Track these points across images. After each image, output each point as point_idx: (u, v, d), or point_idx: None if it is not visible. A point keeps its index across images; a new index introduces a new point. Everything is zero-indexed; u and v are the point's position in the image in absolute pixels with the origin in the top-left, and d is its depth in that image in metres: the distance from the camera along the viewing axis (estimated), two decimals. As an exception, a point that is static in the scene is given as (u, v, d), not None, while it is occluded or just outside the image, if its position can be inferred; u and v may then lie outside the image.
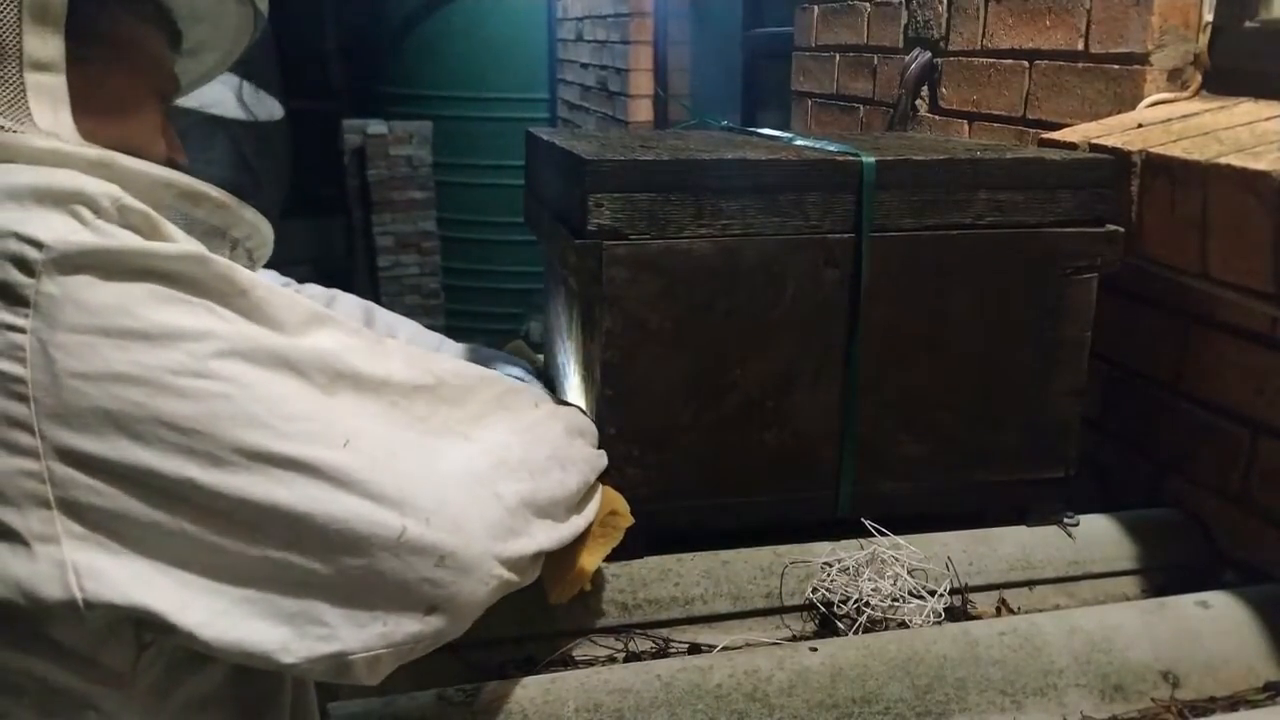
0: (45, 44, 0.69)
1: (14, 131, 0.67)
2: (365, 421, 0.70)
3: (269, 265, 1.57)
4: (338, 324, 0.74)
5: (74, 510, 0.61)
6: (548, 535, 0.85)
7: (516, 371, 1.53)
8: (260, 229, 0.86)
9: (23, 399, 0.59)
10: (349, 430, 0.68)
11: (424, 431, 0.77)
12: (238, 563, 0.65)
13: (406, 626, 0.69)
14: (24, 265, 0.60)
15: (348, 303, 1.65)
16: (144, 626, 0.64)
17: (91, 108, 0.74)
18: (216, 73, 1.01)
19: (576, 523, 0.92)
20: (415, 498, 0.69)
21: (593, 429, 1.07)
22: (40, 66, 0.69)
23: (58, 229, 0.61)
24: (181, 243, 0.67)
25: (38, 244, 0.60)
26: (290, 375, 0.67)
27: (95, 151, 0.69)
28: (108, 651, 0.65)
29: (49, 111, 0.69)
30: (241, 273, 0.68)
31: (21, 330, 0.60)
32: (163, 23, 0.84)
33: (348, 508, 0.66)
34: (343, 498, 0.66)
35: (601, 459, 1.03)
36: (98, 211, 0.64)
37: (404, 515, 0.68)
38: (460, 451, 0.78)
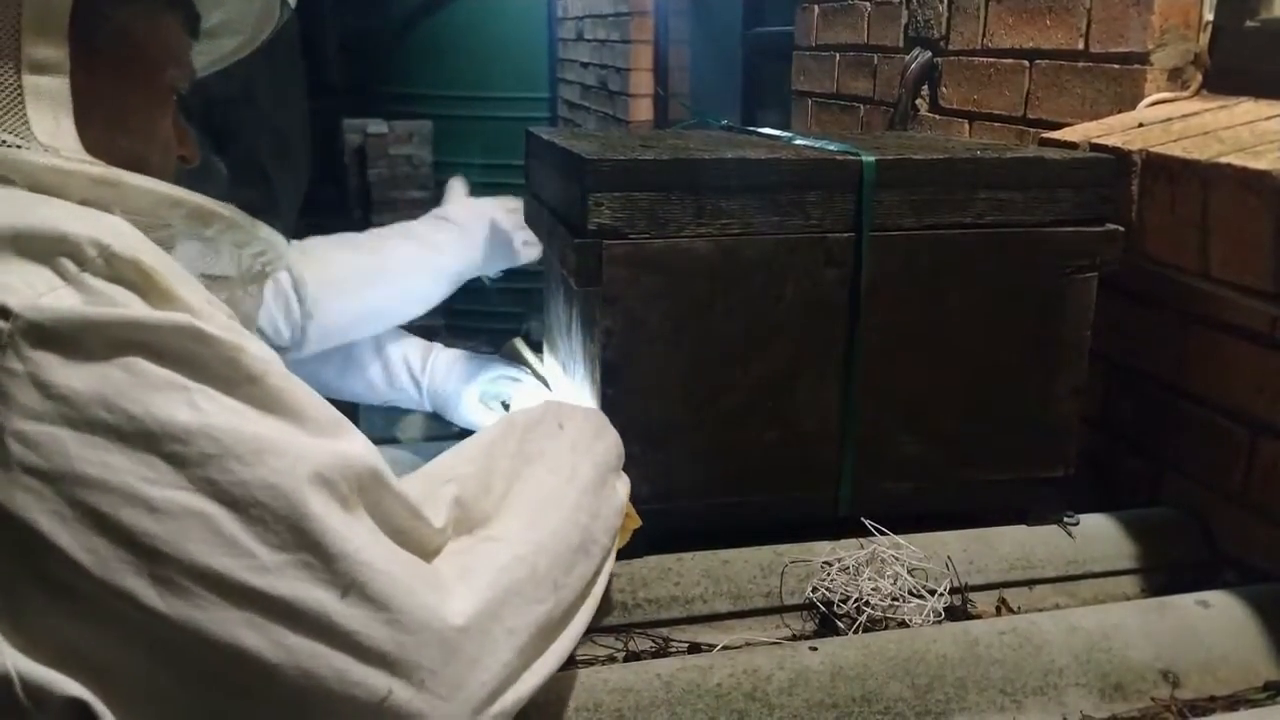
0: (46, 43, 0.62)
1: (13, 146, 0.60)
2: (380, 549, 0.58)
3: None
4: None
5: (8, 608, 0.53)
6: (554, 661, 0.74)
7: (514, 373, 1.54)
8: (275, 244, 0.80)
9: None
10: (358, 564, 0.56)
11: (451, 552, 0.66)
12: (176, 698, 0.55)
13: None
14: None
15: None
16: None
17: (99, 116, 0.68)
18: (235, 58, 0.93)
19: (585, 615, 0.80)
20: (417, 655, 0.57)
21: (609, 427, 0.98)
22: (40, 68, 0.62)
23: (33, 288, 0.53)
24: (181, 300, 0.57)
25: (4, 311, 0.52)
26: (305, 486, 0.56)
27: (98, 169, 0.63)
28: None
29: (49, 119, 0.63)
30: (253, 355, 0.58)
31: None
32: (179, 5, 0.78)
33: (328, 665, 0.55)
34: (323, 652, 0.55)
35: (623, 484, 0.94)
36: (82, 264, 0.55)
37: (394, 676, 0.57)
38: (485, 569, 0.66)
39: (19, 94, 0.61)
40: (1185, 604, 1.07)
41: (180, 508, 0.53)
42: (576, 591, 0.76)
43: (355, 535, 0.57)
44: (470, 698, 0.60)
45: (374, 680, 0.56)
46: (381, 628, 0.56)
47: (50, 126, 0.63)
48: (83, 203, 0.63)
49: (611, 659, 1.04)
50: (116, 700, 0.54)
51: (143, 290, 0.56)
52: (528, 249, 1.58)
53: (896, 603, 1.08)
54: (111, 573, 0.53)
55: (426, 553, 0.64)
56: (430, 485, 0.71)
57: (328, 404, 0.61)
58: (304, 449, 0.57)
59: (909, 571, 1.12)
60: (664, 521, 1.13)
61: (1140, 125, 1.30)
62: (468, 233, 1.55)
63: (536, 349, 1.57)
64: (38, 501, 0.52)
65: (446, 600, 0.60)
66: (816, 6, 2.38)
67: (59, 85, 0.63)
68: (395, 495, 0.61)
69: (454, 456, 0.77)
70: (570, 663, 1.03)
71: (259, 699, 0.55)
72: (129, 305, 0.56)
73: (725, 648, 1.05)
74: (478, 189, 1.67)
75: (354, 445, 0.60)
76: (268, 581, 0.54)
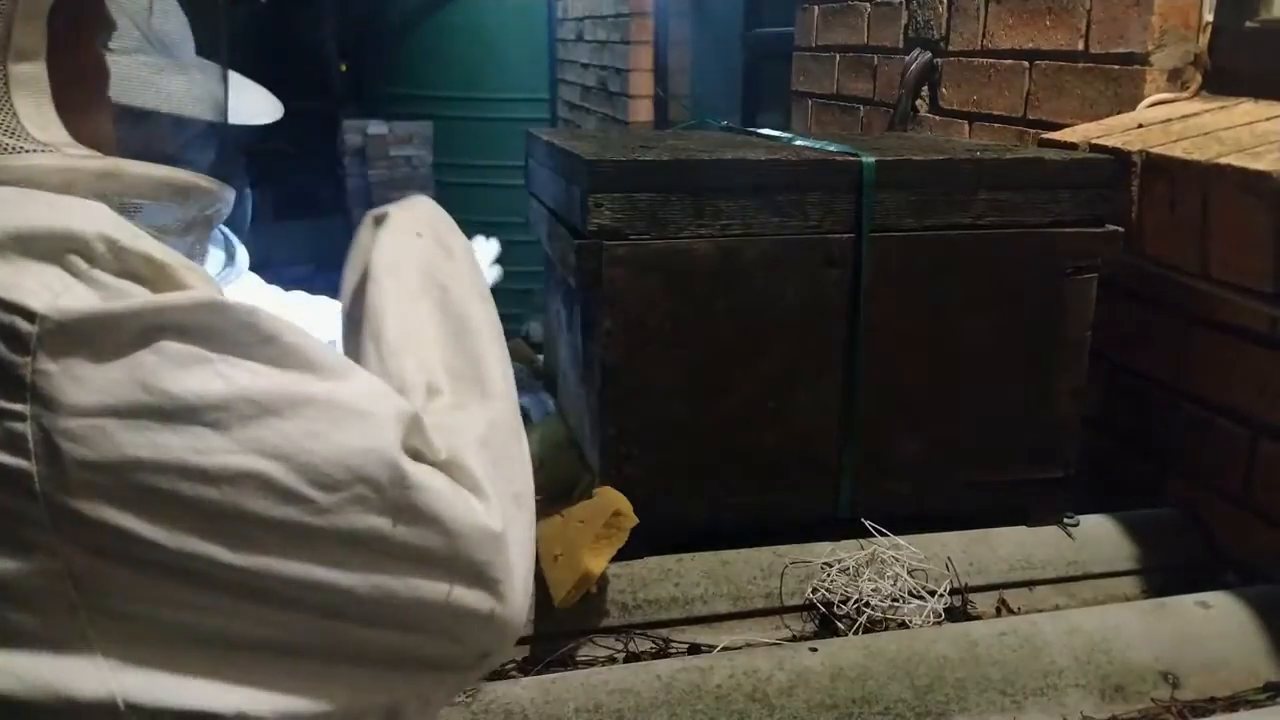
0: (31, 27, 0.61)
1: (14, 151, 0.60)
2: (412, 466, 0.61)
3: (256, 268, 1.58)
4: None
5: (101, 607, 0.55)
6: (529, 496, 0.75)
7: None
8: (229, 200, 0.81)
9: (31, 495, 0.53)
10: (402, 487, 0.60)
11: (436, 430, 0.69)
12: (278, 633, 0.59)
13: (459, 674, 0.66)
14: (15, 341, 0.52)
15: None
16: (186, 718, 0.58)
17: (71, 97, 0.66)
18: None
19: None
20: (469, 554, 0.62)
21: (426, 204, 0.91)
22: (22, 55, 0.61)
23: (50, 289, 0.53)
24: (193, 282, 0.59)
25: (29, 314, 0.52)
26: (341, 425, 0.59)
27: (99, 162, 0.63)
28: None
29: (32, 108, 0.62)
30: (265, 317, 0.59)
31: (21, 418, 0.52)
32: None
33: (394, 577, 0.60)
34: (388, 567, 0.60)
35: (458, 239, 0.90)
36: (92, 260, 0.56)
37: (452, 577, 0.62)
38: (471, 446, 0.69)
39: (4, 86, 0.61)
40: (1185, 605, 1.07)
41: (234, 471, 0.55)
42: (507, 378, 0.77)
43: (391, 460, 0.60)
44: (516, 574, 0.65)
45: (436, 583, 0.61)
46: (435, 538, 0.61)
47: (36, 117, 0.62)
48: (89, 198, 0.62)
49: (611, 660, 1.04)
50: (206, 665, 0.58)
51: (151, 282, 0.57)
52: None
53: (896, 604, 1.08)
54: (185, 543, 0.55)
55: (439, 455, 0.67)
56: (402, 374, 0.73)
57: (334, 349, 0.63)
58: (330, 393, 0.60)
59: (909, 572, 1.12)
60: (664, 521, 1.13)
61: (1140, 126, 1.30)
62: None
63: (536, 349, 1.57)
64: (99, 493, 0.53)
65: (470, 499, 0.64)
66: (816, 7, 2.38)
67: (37, 71, 0.62)
68: (412, 418, 0.64)
69: (392, 344, 0.76)
70: (571, 663, 1.04)
71: (346, 616, 0.60)
72: (143, 297, 0.57)
73: (725, 649, 1.05)
74: (478, 189, 1.67)
75: (368, 382, 0.64)
76: (328, 520, 0.58)
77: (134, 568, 0.55)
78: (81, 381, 0.53)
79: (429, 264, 0.81)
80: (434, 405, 0.71)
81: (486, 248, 1.61)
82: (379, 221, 0.84)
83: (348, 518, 0.58)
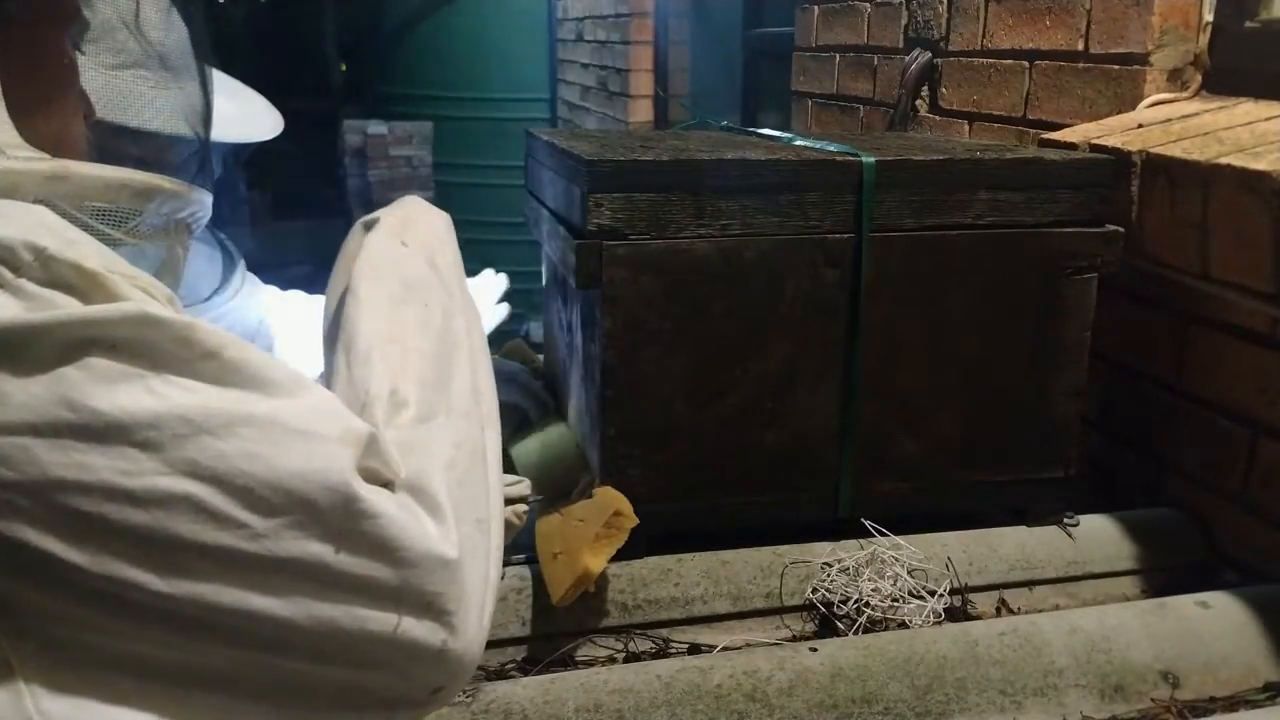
0: None
1: None
2: (362, 491, 0.58)
3: (255, 269, 1.58)
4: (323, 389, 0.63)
5: (22, 632, 0.53)
6: (499, 528, 0.72)
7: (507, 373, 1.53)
8: (206, 204, 0.79)
9: None
10: (347, 513, 0.57)
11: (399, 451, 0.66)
12: (212, 666, 0.57)
13: (409, 711, 0.63)
14: None
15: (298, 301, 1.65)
16: None
17: (26, 99, 0.64)
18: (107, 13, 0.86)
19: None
20: (419, 585, 0.59)
21: (432, 213, 0.90)
22: None
23: None
24: (127, 293, 0.55)
25: None
26: (281, 447, 0.56)
27: (48, 165, 0.61)
28: None
29: None
30: (206, 331, 0.56)
31: None
32: None
33: (337, 609, 0.57)
34: (331, 598, 0.57)
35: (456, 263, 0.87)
36: (18, 269, 0.52)
37: (400, 607, 0.59)
38: (435, 470, 0.66)
39: None
40: (1185, 605, 1.07)
41: (164, 494, 0.53)
42: (493, 433, 0.75)
43: (335, 484, 0.57)
44: (471, 605, 0.62)
45: (383, 614, 0.58)
46: (381, 568, 0.58)
47: None
48: (35, 202, 0.61)
49: (611, 660, 1.04)
50: (156, 692, 0.55)
51: (82, 292, 0.54)
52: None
53: (896, 604, 1.08)
54: (111, 568, 0.52)
55: (395, 477, 0.64)
56: (357, 396, 0.70)
57: (284, 364, 0.60)
58: (273, 413, 0.57)
59: (909, 572, 1.12)
60: (664, 521, 1.13)
61: (1140, 126, 1.30)
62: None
63: (536, 349, 1.57)
64: (20, 514, 0.51)
65: (424, 525, 0.61)
66: (816, 7, 2.38)
67: None
68: (364, 437, 0.61)
69: (362, 351, 0.74)
70: (570, 663, 1.04)
71: (282, 650, 0.57)
72: (69, 308, 0.54)
73: (725, 649, 1.05)
74: (478, 189, 1.67)
75: (316, 399, 0.60)
76: (264, 546, 0.55)
77: (56, 592, 0.53)
78: (1, 397, 0.50)
79: (411, 274, 0.79)
80: (400, 419, 0.68)
81: (494, 283, 1.59)
82: (368, 228, 0.82)
83: (286, 544, 0.55)
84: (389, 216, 0.84)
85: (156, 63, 0.88)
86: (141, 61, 0.87)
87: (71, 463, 0.51)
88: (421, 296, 0.77)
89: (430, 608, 0.59)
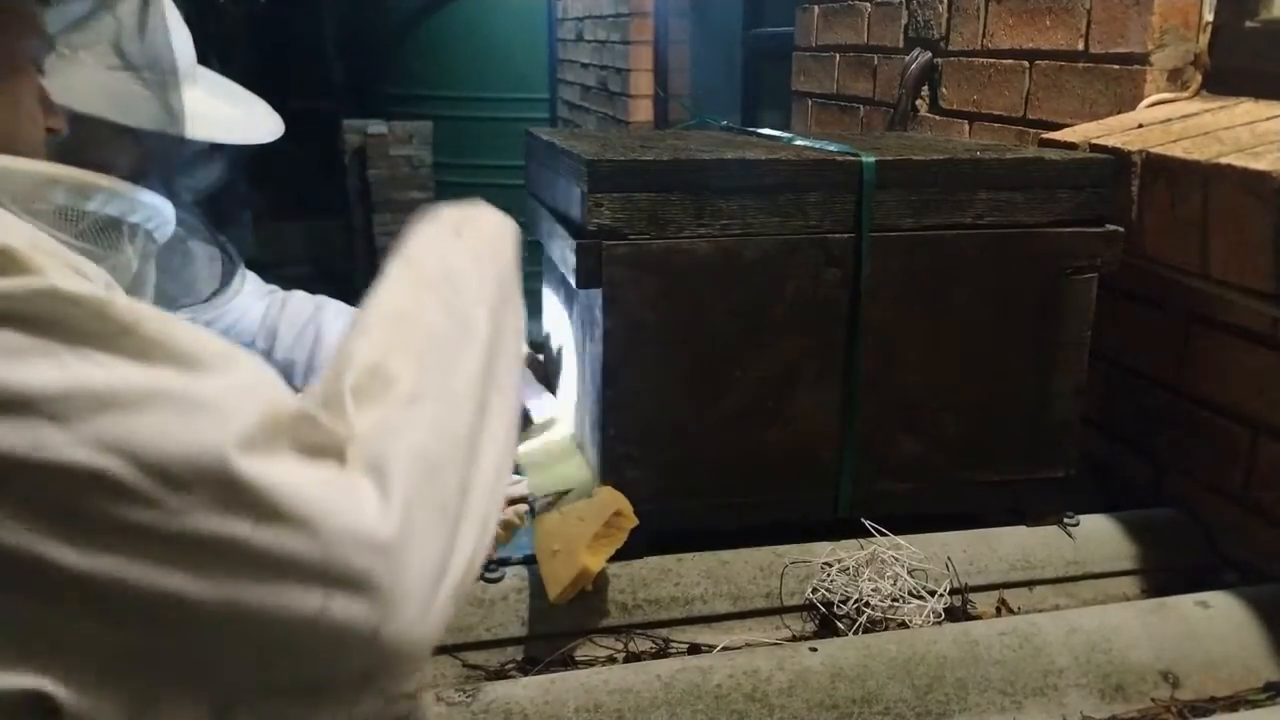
0: None
1: None
2: (285, 469, 0.57)
3: (255, 269, 1.58)
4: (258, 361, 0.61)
5: None
6: (478, 525, 0.68)
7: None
8: (161, 210, 0.79)
9: None
10: (266, 489, 0.55)
11: (362, 438, 0.63)
12: (127, 645, 0.55)
13: (337, 703, 0.59)
14: None
15: (296, 299, 1.65)
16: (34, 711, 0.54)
17: None
18: (92, 18, 0.88)
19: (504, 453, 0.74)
20: (346, 562, 0.56)
21: (500, 219, 0.88)
22: None
23: None
24: (41, 267, 0.55)
25: None
26: (197, 424, 0.55)
27: None
28: None
29: None
30: (122, 306, 0.55)
31: None
32: None
33: (254, 590, 0.55)
34: (247, 577, 0.55)
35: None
36: None
37: (327, 588, 0.56)
38: (399, 455, 0.63)
39: None
40: (1185, 605, 1.07)
41: (74, 467, 0.52)
42: (495, 435, 0.71)
43: (257, 461, 0.56)
44: (412, 590, 0.58)
45: (307, 595, 0.55)
46: (304, 542, 0.55)
47: None
48: None
49: (611, 660, 1.04)
50: (69, 673, 0.54)
51: (4, 272, 0.54)
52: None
53: (896, 603, 1.08)
54: (25, 543, 0.52)
55: (340, 454, 0.61)
56: (333, 381, 0.68)
57: (215, 338, 0.59)
58: (191, 389, 0.56)
59: (909, 572, 1.12)
60: (664, 521, 1.13)
61: (1140, 126, 1.30)
62: None
63: (537, 349, 1.57)
64: None
65: (363, 503, 0.59)
66: (816, 7, 2.38)
67: None
68: (294, 414, 0.59)
69: (364, 323, 0.73)
70: (570, 663, 1.04)
71: (201, 630, 0.55)
72: None
73: (725, 649, 1.05)
74: (478, 189, 1.67)
75: (245, 375, 0.59)
76: (178, 522, 0.53)
77: None
78: None
79: (452, 263, 0.78)
80: (390, 395, 0.65)
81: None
82: (430, 215, 0.82)
83: (198, 520, 0.54)
84: (451, 211, 0.84)
85: (148, 64, 0.88)
86: (129, 64, 0.87)
87: None
88: (455, 284, 0.76)
89: (359, 586, 0.56)
